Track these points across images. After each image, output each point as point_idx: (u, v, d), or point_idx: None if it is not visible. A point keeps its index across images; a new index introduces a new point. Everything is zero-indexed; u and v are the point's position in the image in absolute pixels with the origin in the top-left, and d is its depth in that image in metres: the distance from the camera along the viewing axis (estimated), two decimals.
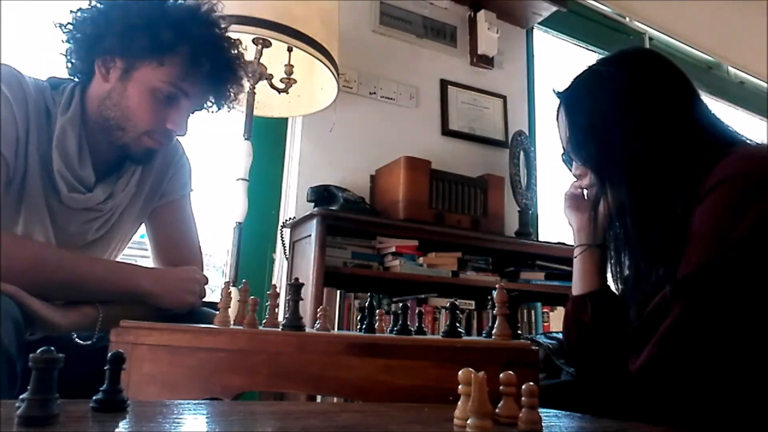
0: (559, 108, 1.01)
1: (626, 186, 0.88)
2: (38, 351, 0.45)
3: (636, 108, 0.89)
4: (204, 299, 1.15)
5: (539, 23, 2.94)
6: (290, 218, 2.09)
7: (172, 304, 0.97)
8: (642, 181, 0.87)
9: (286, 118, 2.26)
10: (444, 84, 2.60)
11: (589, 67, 0.99)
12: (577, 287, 1.02)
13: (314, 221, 1.87)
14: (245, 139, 1.76)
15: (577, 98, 0.98)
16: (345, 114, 2.29)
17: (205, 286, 1.04)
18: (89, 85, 1.04)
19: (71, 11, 1.01)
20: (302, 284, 0.82)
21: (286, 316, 0.79)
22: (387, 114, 2.42)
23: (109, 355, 0.50)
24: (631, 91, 0.91)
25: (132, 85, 1.00)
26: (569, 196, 1.07)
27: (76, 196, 1.00)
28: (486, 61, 2.70)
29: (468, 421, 0.47)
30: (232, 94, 1.13)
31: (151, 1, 0.99)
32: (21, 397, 0.44)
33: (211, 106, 1.14)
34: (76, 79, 1.05)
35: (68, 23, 1.01)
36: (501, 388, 0.53)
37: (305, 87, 1.90)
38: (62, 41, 1.02)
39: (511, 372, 0.53)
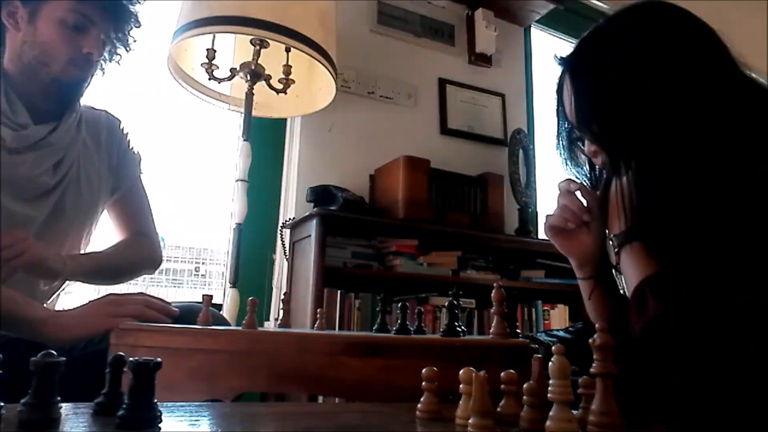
0: (562, 78, 0.89)
1: (644, 165, 0.76)
2: (39, 355, 0.45)
3: (656, 66, 0.77)
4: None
5: (537, 21, 2.94)
6: (290, 219, 2.09)
7: (80, 332, 0.92)
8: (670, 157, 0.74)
9: (285, 119, 2.26)
10: (442, 83, 2.59)
11: (595, 26, 0.86)
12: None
13: (314, 221, 1.87)
14: (244, 140, 1.76)
15: (581, 60, 0.85)
16: (344, 114, 2.29)
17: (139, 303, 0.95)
18: (4, 42, 1.10)
19: None
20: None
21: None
22: (386, 113, 2.42)
23: (110, 358, 0.50)
24: (646, 47, 0.78)
25: (41, 23, 1.08)
26: (549, 227, 0.93)
27: (15, 134, 1.05)
28: (484, 60, 2.70)
29: (469, 421, 0.47)
30: (130, 19, 1.20)
31: None
32: (22, 401, 0.44)
33: (118, 40, 1.19)
34: None
35: None
36: (502, 386, 0.53)
37: (304, 87, 1.90)
38: None
39: (512, 371, 0.53)
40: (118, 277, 1.24)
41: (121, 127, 1.30)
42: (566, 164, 0.95)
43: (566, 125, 0.91)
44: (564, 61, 0.87)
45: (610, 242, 0.84)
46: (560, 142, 0.93)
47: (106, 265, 1.17)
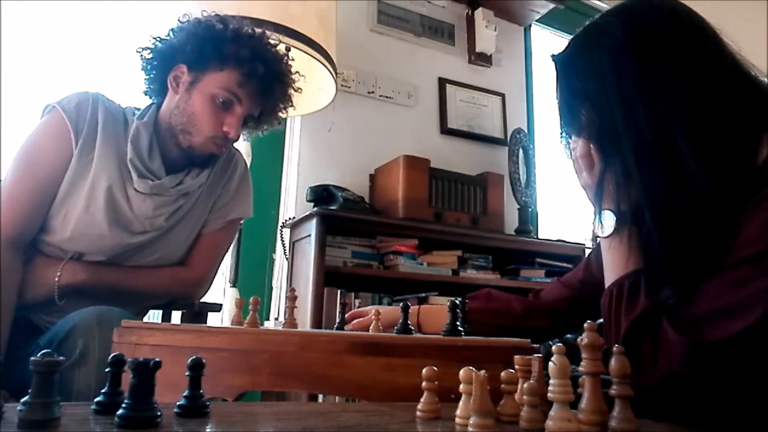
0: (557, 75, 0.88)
1: (635, 165, 0.74)
2: (39, 354, 0.45)
3: (641, 66, 0.76)
4: (203, 299, 1.24)
5: (537, 20, 2.94)
6: (290, 218, 2.09)
7: None
8: (654, 160, 0.73)
9: (285, 118, 2.26)
10: (442, 82, 2.59)
11: (588, 22, 0.86)
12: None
13: (314, 221, 1.87)
14: (244, 139, 1.75)
15: (570, 58, 0.85)
16: (343, 113, 2.29)
17: None
18: (163, 101, 1.22)
19: (151, 38, 1.22)
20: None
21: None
22: (385, 113, 2.42)
23: (110, 357, 0.50)
24: (635, 45, 0.77)
25: (196, 94, 1.17)
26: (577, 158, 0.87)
27: (145, 182, 1.16)
28: (484, 59, 2.70)
29: (470, 420, 0.47)
30: (280, 105, 1.30)
31: (217, 23, 1.18)
32: (22, 400, 0.44)
33: (260, 118, 1.30)
34: (153, 100, 1.25)
35: (146, 48, 1.21)
36: (502, 386, 0.53)
37: (303, 87, 1.90)
38: (142, 67, 1.22)
39: (512, 370, 0.53)
40: (141, 298, 1.25)
41: (241, 171, 1.35)
42: (570, 155, 0.94)
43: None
44: (555, 58, 0.88)
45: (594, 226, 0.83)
46: (563, 134, 0.92)
47: (114, 282, 1.17)
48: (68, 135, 1.12)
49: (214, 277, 1.33)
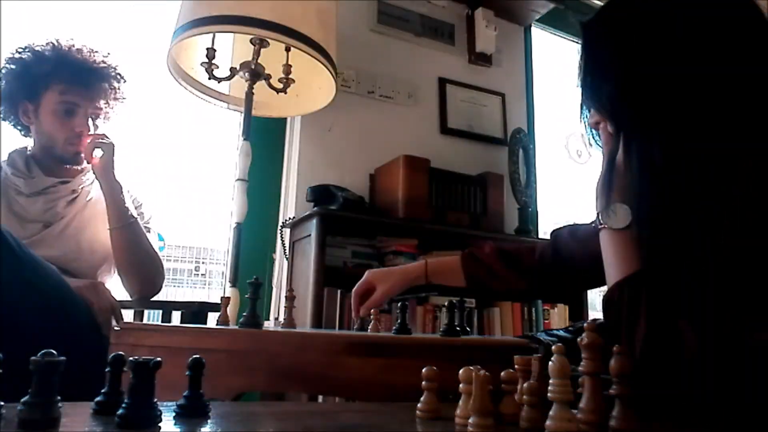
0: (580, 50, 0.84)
1: (657, 144, 0.70)
2: (39, 354, 0.45)
3: (675, 37, 0.72)
4: (203, 299, 1.32)
5: (537, 20, 2.94)
6: (290, 218, 2.09)
7: None
8: (679, 137, 0.69)
9: (285, 118, 2.26)
10: (442, 82, 2.59)
11: None
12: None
13: (314, 221, 1.87)
14: (244, 139, 1.75)
15: (597, 28, 0.80)
16: (343, 113, 2.28)
17: None
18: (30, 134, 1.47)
19: None
20: (261, 283, 0.85)
21: (244, 314, 0.82)
22: (385, 113, 2.42)
23: (110, 357, 0.50)
24: (669, 17, 0.73)
25: (42, 116, 1.42)
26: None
27: (28, 181, 1.39)
28: (484, 59, 2.70)
29: (469, 420, 0.47)
30: (109, 91, 1.49)
31: (29, 55, 1.40)
32: (22, 400, 0.44)
33: (107, 105, 1.50)
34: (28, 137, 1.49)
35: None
36: (502, 386, 0.53)
37: (303, 87, 1.90)
38: (2, 118, 1.46)
39: (512, 370, 0.54)
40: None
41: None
42: (589, 134, 0.91)
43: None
44: (581, 26, 0.83)
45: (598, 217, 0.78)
46: (583, 113, 0.89)
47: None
48: None
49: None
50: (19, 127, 1.48)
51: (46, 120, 1.41)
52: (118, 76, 1.52)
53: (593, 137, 0.89)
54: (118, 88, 1.52)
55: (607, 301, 0.73)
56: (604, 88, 0.77)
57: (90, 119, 1.44)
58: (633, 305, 0.69)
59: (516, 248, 1.16)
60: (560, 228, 1.13)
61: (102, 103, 1.47)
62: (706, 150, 0.69)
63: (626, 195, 0.75)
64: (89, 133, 1.42)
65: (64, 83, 1.40)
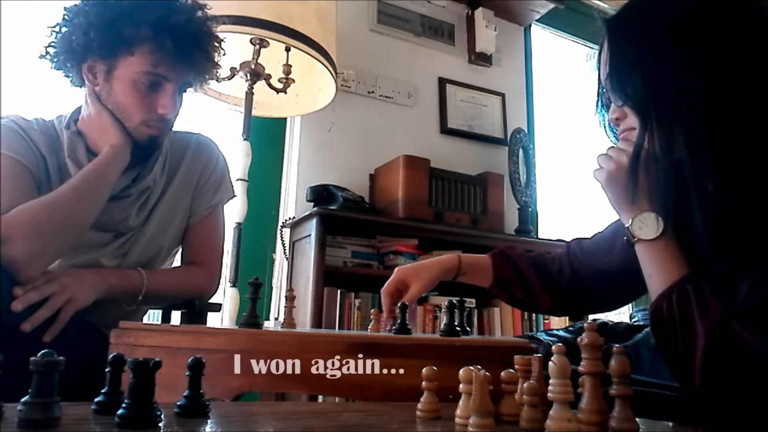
0: (602, 44, 0.83)
1: (683, 136, 0.70)
2: (39, 354, 0.45)
3: (702, 35, 0.71)
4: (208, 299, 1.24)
5: (537, 20, 2.94)
6: (290, 218, 2.09)
7: None
8: (705, 131, 0.69)
9: (285, 118, 2.26)
10: (442, 82, 2.59)
11: None
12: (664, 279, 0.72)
13: (314, 221, 1.87)
14: (244, 139, 1.75)
15: (624, 22, 0.80)
16: (343, 113, 2.29)
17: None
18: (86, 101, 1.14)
19: (50, 32, 1.10)
20: (261, 283, 0.83)
21: (244, 314, 0.81)
22: (385, 113, 2.42)
23: (110, 357, 0.50)
24: (700, 20, 0.73)
25: (116, 83, 1.09)
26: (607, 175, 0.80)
27: None
28: (484, 59, 2.70)
29: (469, 420, 0.47)
30: (208, 64, 1.18)
31: (104, 6, 1.06)
32: (22, 400, 0.44)
33: (196, 81, 1.20)
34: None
35: (49, 45, 1.10)
36: (502, 386, 0.53)
37: (303, 87, 1.90)
38: (55, 66, 1.12)
39: (512, 370, 0.54)
40: (158, 300, 1.22)
41: (208, 152, 1.29)
42: (604, 128, 0.91)
43: (604, 89, 0.87)
44: (605, 22, 0.83)
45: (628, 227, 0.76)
46: (599, 106, 0.90)
47: (141, 285, 1.13)
48: (28, 176, 1.07)
49: (221, 269, 1.32)
50: (71, 78, 1.14)
51: (120, 89, 1.09)
52: (217, 43, 1.20)
53: (611, 131, 0.88)
54: (216, 60, 1.21)
55: (655, 313, 0.71)
56: (630, 82, 0.76)
57: (178, 95, 1.15)
58: (684, 313, 0.67)
59: (543, 258, 1.09)
60: (574, 244, 1.09)
61: (193, 76, 1.17)
62: (733, 144, 0.69)
63: (651, 191, 0.75)
64: (173, 115, 1.13)
65: (152, 50, 1.07)
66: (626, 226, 0.77)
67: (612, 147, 0.82)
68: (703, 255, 0.72)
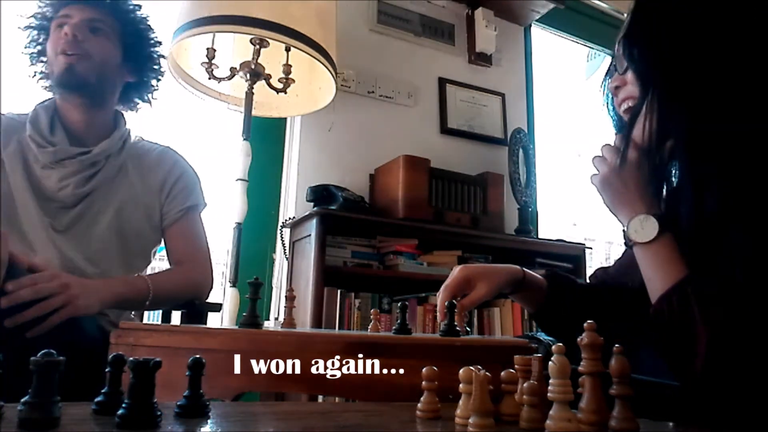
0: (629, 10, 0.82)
1: (683, 115, 0.69)
2: (39, 354, 0.45)
3: (727, 19, 0.71)
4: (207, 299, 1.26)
5: (537, 20, 2.94)
6: (290, 218, 2.09)
7: None
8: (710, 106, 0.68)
9: (285, 118, 2.26)
10: (442, 82, 2.59)
11: None
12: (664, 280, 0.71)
13: (314, 221, 1.87)
14: (244, 139, 1.75)
15: None
16: (343, 113, 2.29)
17: None
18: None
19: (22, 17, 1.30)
20: (261, 283, 0.83)
21: (244, 314, 0.81)
22: (385, 113, 2.42)
23: (110, 357, 0.50)
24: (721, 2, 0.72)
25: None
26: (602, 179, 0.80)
27: (45, 152, 1.20)
28: (484, 59, 2.70)
29: (469, 420, 0.47)
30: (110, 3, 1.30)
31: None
32: (22, 400, 0.44)
33: (104, 18, 1.29)
34: None
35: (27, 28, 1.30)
36: (502, 386, 0.53)
37: (303, 87, 1.90)
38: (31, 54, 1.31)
39: (512, 370, 0.54)
40: (165, 302, 1.24)
41: (171, 161, 1.37)
42: (606, 106, 0.90)
43: (614, 65, 0.86)
44: None
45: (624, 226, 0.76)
46: (605, 84, 0.89)
47: (147, 290, 1.16)
48: None
49: (212, 265, 1.36)
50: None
51: (47, 49, 1.26)
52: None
53: (611, 107, 0.88)
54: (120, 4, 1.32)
55: (656, 315, 0.70)
56: (641, 48, 0.76)
57: (91, 34, 1.25)
58: (684, 315, 0.66)
59: (592, 292, 1.04)
60: (600, 272, 1.06)
61: (98, 14, 1.26)
62: (731, 137, 0.68)
63: (645, 192, 0.75)
64: (82, 39, 1.23)
65: (61, 7, 1.25)
66: (623, 229, 0.77)
67: (605, 145, 0.81)
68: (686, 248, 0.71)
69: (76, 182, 1.21)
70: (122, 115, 1.37)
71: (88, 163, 1.23)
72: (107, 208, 1.25)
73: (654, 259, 0.73)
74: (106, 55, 1.26)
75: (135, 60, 1.34)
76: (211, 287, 1.33)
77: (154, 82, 1.41)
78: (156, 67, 1.40)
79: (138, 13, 1.35)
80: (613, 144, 0.81)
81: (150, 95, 1.42)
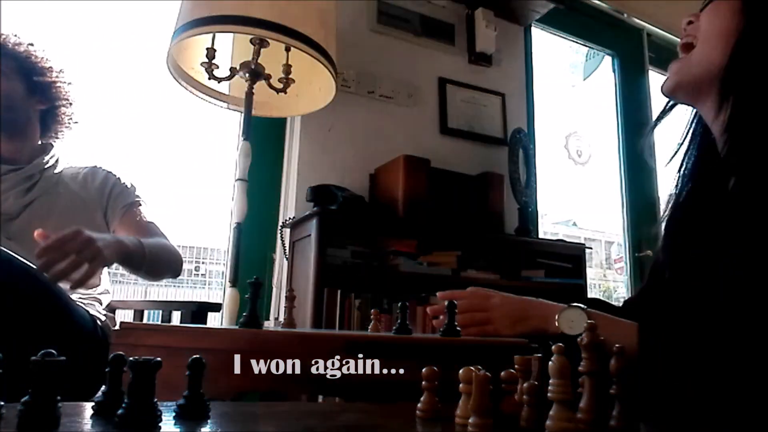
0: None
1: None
2: (39, 353, 0.45)
3: None
4: (204, 299, 1.32)
5: (537, 20, 2.94)
6: (290, 218, 2.09)
7: None
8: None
9: (285, 118, 2.26)
10: (442, 82, 2.59)
11: None
12: None
13: (314, 221, 1.87)
14: (244, 139, 1.75)
15: None
16: (344, 113, 2.29)
17: None
18: None
19: None
20: (261, 283, 0.83)
21: (244, 314, 0.81)
22: (386, 113, 2.42)
23: (110, 357, 0.50)
24: None
25: None
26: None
27: None
28: (484, 59, 2.70)
29: (469, 420, 0.47)
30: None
31: None
32: (22, 400, 0.44)
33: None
34: None
35: None
36: (502, 386, 0.53)
37: (303, 87, 1.90)
38: None
39: (512, 370, 0.54)
40: (154, 264, 1.35)
41: (101, 174, 1.50)
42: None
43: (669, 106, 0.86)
44: None
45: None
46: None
47: (143, 248, 1.28)
48: None
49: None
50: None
51: None
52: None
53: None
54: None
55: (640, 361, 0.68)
56: None
57: None
58: (666, 361, 0.66)
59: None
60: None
61: None
62: None
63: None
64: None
65: None
66: (557, 316, 0.78)
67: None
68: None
69: (15, 194, 1.35)
70: (51, 145, 1.50)
71: (24, 176, 1.37)
72: (51, 214, 1.35)
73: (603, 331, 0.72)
74: (8, 91, 1.39)
75: (40, 88, 1.46)
76: (182, 263, 1.45)
77: (65, 107, 1.52)
78: (64, 92, 1.51)
79: (28, 46, 1.45)
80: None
81: (68, 118, 1.54)
